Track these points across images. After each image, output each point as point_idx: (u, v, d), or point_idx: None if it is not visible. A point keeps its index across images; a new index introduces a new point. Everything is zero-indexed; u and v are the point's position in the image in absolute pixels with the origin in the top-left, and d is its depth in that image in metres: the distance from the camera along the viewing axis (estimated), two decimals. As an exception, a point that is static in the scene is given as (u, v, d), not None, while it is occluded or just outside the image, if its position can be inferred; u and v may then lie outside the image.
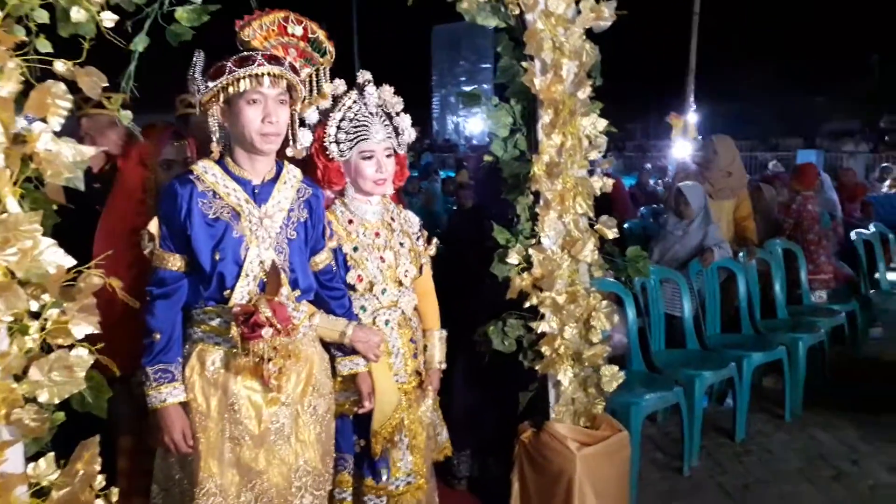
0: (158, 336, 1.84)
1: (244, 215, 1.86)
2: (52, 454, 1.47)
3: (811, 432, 3.86)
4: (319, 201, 2.04)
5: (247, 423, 1.87)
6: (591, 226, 2.76)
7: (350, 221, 2.22)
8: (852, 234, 5.50)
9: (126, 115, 1.67)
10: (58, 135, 1.40)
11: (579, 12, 2.58)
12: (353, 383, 2.17)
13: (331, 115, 2.13)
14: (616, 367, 2.81)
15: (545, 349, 2.71)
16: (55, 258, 1.39)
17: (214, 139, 1.85)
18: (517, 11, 2.48)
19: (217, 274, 1.84)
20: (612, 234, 2.77)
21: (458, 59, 24.21)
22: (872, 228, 5.75)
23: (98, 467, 1.55)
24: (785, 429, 3.92)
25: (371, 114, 2.16)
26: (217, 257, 1.83)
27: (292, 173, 1.98)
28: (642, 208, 7.40)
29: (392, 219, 2.30)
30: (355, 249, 2.19)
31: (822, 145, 17.93)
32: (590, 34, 2.62)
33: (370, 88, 2.18)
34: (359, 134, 2.14)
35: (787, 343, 4.01)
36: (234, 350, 1.81)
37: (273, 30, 1.90)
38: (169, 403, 1.83)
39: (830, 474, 3.39)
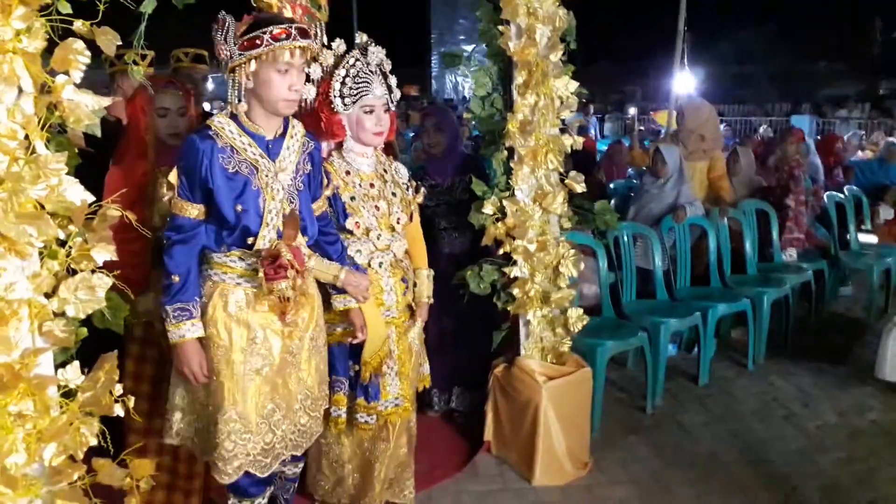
0: (177, 278, 1.99)
1: (261, 170, 2.01)
2: (77, 362, 1.70)
3: (770, 379, 4.14)
4: (319, 153, 2.22)
5: (266, 354, 2.06)
6: (562, 180, 2.99)
7: (347, 172, 2.39)
8: (825, 197, 5.71)
9: (138, 71, 1.88)
10: (79, 87, 1.61)
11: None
12: (346, 316, 2.38)
13: (335, 71, 2.29)
14: (581, 310, 3.07)
15: (517, 292, 2.97)
16: (78, 194, 1.61)
17: (236, 100, 1.98)
18: (493, -22, 2.67)
19: (241, 224, 1.99)
20: (580, 188, 2.99)
21: (458, 17, 23.91)
22: (846, 192, 5.96)
23: (117, 377, 1.79)
24: (746, 376, 4.20)
25: (371, 72, 2.32)
26: (239, 209, 1.98)
27: (297, 128, 2.14)
28: (630, 169, 7.59)
29: (384, 170, 2.49)
30: (352, 199, 2.37)
31: (816, 111, 17.97)
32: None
33: (373, 48, 2.34)
34: (361, 89, 2.30)
35: (753, 296, 4.26)
36: (256, 289, 2.02)
37: None
38: (187, 339, 1.99)
39: (782, 415, 3.69)
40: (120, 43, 1.68)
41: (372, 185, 2.42)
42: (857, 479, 3.06)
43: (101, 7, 1.72)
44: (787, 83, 24.54)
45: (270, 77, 1.94)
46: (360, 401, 2.43)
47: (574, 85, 2.89)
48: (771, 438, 3.43)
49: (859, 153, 8.89)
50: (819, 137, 9.47)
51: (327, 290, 2.33)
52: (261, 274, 1.96)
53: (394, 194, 2.47)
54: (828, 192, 5.83)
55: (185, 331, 2.00)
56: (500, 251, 2.97)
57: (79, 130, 1.67)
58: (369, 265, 2.40)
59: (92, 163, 2.07)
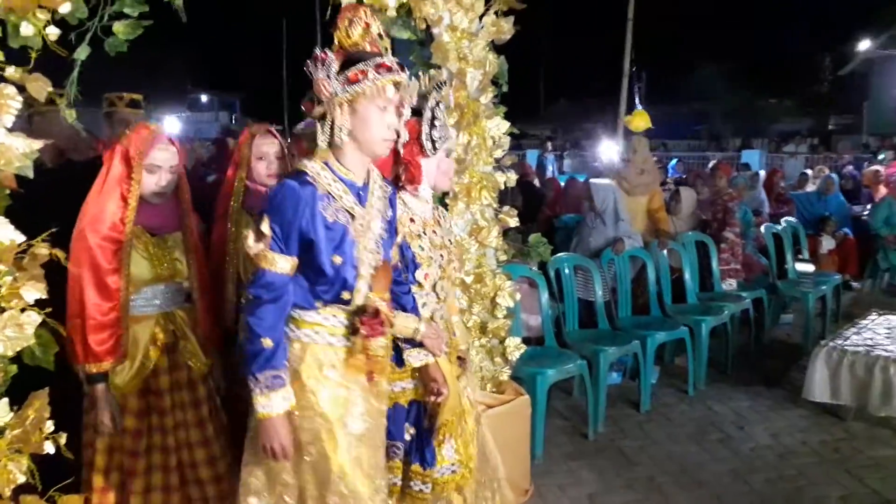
0: (269, 342, 1.77)
1: (357, 218, 1.86)
2: (6, 399, 1.74)
3: (709, 404, 4.29)
4: (395, 199, 2.06)
5: (364, 419, 1.89)
6: (496, 215, 3.12)
7: (412, 220, 2.16)
8: (762, 229, 5.96)
9: (70, 114, 1.96)
10: (10, 130, 1.69)
11: (483, 27, 2.94)
12: (414, 373, 2.15)
13: (424, 111, 2.11)
14: (518, 339, 3.18)
15: (454, 323, 3.06)
16: (7, 234, 1.68)
17: (327, 143, 1.84)
18: (424, 26, 2.82)
19: (339, 277, 1.84)
20: (513, 222, 3.13)
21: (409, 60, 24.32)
22: (784, 224, 6.22)
23: (47, 415, 1.82)
24: (687, 401, 4.34)
25: (446, 114, 2.21)
26: (338, 261, 1.82)
27: (376, 172, 1.99)
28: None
29: (440, 216, 2.31)
30: (421, 248, 2.15)
31: (768, 146, 18.63)
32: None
33: (446, 87, 2.22)
34: (445, 132, 2.19)
35: (691, 324, 4.43)
36: (348, 348, 1.86)
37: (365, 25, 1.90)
38: (283, 411, 1.79)
39: (718, 438, 3.82)
40: (51, 88, 1.77)
41: (435, 233, 2.22)
42: (785, 498, 3.19)
43: (34, 55, 1.82)
44: (740, 119, 25.41)
45: (370, 114, 1.81)
46: (415, 467, 2.17)
47: (505, 125, 3.05)
48: (706, 461, 3.55)
49: (810, 187, 9.21)
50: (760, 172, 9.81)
51: None
52: (363, 331, 1.82)
53: (450, 241, 2.29)
54: (765, 224, 6.08)
55: (276, 402, 1.78)
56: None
57: (9, 171, 1.75)
58: (432, 319, 2.16)
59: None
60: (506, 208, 3.13)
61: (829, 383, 3.91)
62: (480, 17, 2.93)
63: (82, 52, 2.01)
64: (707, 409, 4.22)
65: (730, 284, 5.29)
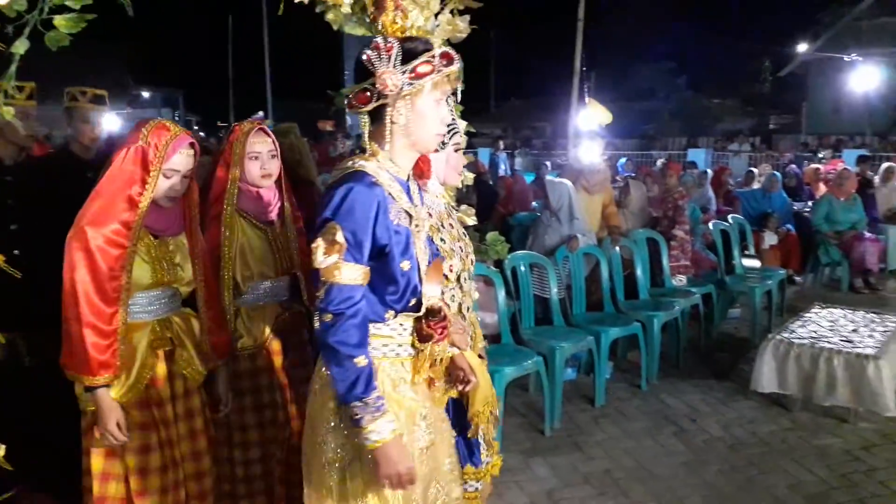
0: (364, 360, 1.62)
1: (414, 218, 1.74)
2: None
3: (662, 398, 4.37)
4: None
5: (425, 433, 1.80)
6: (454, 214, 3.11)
7: (429, 213, 2.02)
8: (709, 225, 6.11)
9: (8, 111, 1.87)
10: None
11: (439, 25, 2.92)
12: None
13: None
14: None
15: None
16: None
17: (396, 136, 1.70)
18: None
19: (410, 283, 1.71)
20: (471, 221, 3.11)
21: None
22: (731, 220, 6.39)
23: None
24: (640, 395, 4.41)
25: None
26: (406, 266, 1.69)
27: None
28: (534, 202, 7.88)
29: (452, 208, 2.25)
30: (443, 241, 2.06)
31: (713, 144, 19.16)
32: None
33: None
34: (454, 127, 2.16)
35: (644, 320, 4.50)
36: (414, 357, 1.76)
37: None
38: (393, 434, 1.63)
39: (672, 431, 3.89)
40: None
41: (451, 226, 2.15)
42: (737, 488, 3.27)
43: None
44: (685, 118, 26.04)
45: (428, 108, 1.69)
46: (467, 468, 2.13)
47: (463, 124, 3.03)
48: (660, 454, 3.61)
49: (756, 185, 9.47)
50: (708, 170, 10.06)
51: None
52: (435, 335, 1.73)
53: (464, 233, 2.22)
54: (713, 221, 6.23)
55: (386, 426, 1.62)
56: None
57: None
58: (459, 312, 2.09)
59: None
60: (464, 207, 3.11)
61: (777, 375, 4.03)
62: (436, 16, 2.91)
63: (20, 46, 1.92)
64: (660, 402, 4.30)
65: (680, 280, 5.40)
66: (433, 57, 1.66)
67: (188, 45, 29.94)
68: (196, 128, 31.11)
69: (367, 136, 1.72)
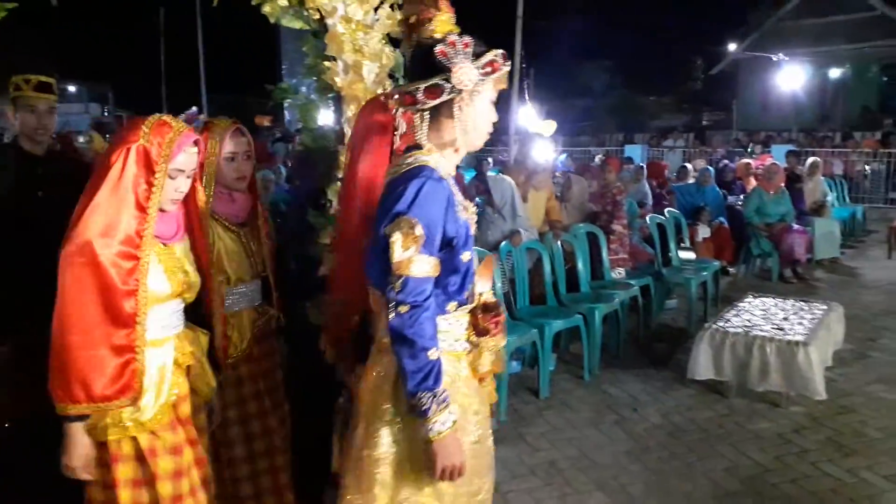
0: (436, 353, 1.65)
1: (468, 210, 1.81)
2: None
3: (604, 388, 4.45)
4: None
5: (474, 428, 1.83)
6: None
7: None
8: (647, 219, 6.26)
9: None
10: None
11: (378, 20, 2.89)
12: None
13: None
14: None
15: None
16: None
17: (458, 132, 1.72)
18: (318, 16, 2.74)
19: (468, 272, 1.77)
20: (414, 216, 3.11)
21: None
22: (667, 214, 6.56)
23: None
24: (583, 386, 4.49)
25: None
26: (467, 258, 1.75)
27: None
28: (477, 198, 7.90)
29: None
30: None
31: (649, 140, 19.65)
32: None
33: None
34: None
35: (585, 312, 4.58)
36: (465, 352, 1.80)
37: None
38: (456, 427, 1.68)
39: (614, 420, 3.97)
40: None
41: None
42: (677, 474, 3.36)
43: None
44: (622, 115, 26.62)
45: (486, 106, 1.75)
46: None
47: (402, 118, 3.02)
48: (604, 443, 3.68)
49: (691, 179, 9.74)
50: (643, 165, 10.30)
51: None
52: (493, 331, 1.78)
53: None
54: (649, 215, 6.38)
55: (448, 417, 1.66)
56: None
57: None
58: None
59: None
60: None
61: (713, 363, 4.16)
62: (376, 10, 2.89)
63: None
64: (602, 393, 4.38)
65: (619, 273, 5.52)
66: (497, 55, 1.70)
67: (117, 37, 28.87)
68: (128, 124, 30.06)
69: (425, 131, 1.73)
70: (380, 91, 2.91)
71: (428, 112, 1.72)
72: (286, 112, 24.23)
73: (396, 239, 1.61)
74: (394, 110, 2.02)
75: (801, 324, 4.30)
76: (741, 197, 8.60)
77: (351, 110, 2.89)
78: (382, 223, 1.66)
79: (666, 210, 6.71)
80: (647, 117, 28.26)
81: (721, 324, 4.29)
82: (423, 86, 1.69)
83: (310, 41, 2.88)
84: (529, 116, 9.74)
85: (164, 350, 1.95)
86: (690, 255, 6.59)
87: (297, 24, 2.79)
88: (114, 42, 29.35)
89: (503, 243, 4.55)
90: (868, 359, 4.92)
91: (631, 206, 6.36)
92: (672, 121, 27.99)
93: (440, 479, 1.69)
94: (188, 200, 2.05)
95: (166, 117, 1.91)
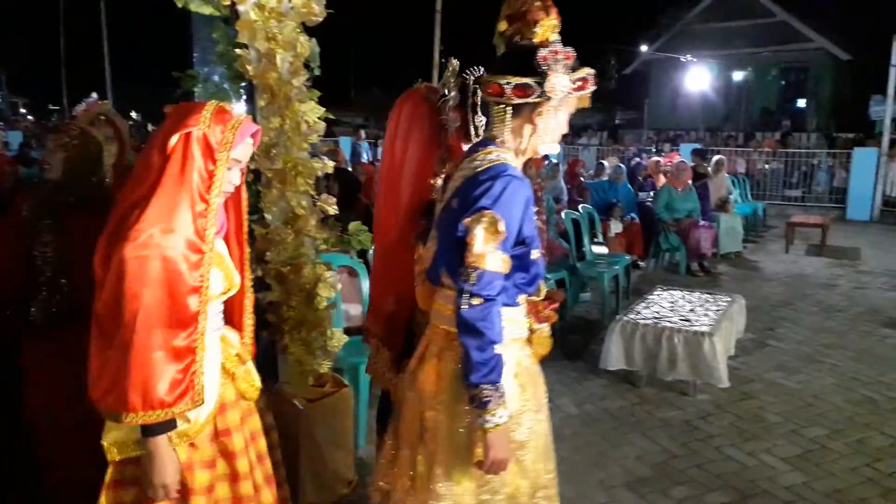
0: (500, 348, 1.71)
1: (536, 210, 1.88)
2: None
3: (522, 380, 4.52)
4: None
5: (539, 409, 1.93)
6: (314, 203, 3.03)
7: None
8: (562, 215, 6.40)
9: None
10: None
11: (293, 7, 2.82)
12: None
13: (466, 99, 2.16)
14: (341, 330, 3.12)
15: (271, 317, 2.94)
16: None
17: (539, 140, 1.81)
18: (228, 2, 2.65)
19: (539, 271, 1.86)
20: (332, 210, 3.06)
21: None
22: (581, 210, 6.72)
23: None
24: (501, 379, 4.54)
25: None
26: (535, 255, 1.83)
27: None
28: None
29: None
30: None
31: (563, 138, 20.09)
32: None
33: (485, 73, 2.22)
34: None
35: (503, 306, 4.63)
36: (528, 339, 1.92)
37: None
38: (508, 418, 1.73)
39: (530, 412, 4.04)
40: None
41: None
42: (591, 463, 3.45)
43: None
44: (539, 113, 27.09)
45: (564, 118, 1.81)
46: None
47: (320, 110, 2.96)
48: (521, 435, 3.74)
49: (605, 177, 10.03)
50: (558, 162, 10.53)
51: None
52: (553, 318, 1.95)
53: None
54: (565, 211, 6.53)
55: (506, 412, 1.70)
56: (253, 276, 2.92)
57: None
58: None
59: None
60: (323, 196, 3.04)
61: (624, 353, 4.30)
62: (290, -3, 2.81)
63: None
64: (520, 385, 4.45)
65: (536, 267, 5.60)
66: (590, 76, 1.78)
67: (12, 19, 27.12)
68: (24, 111, 28.31)
69: (508, 126, 1.78)
70: (295, 82, 2.85)
71: (512, 108, 1.77)
72: (196, 100, 23.41)
73: (478, 232, 1.65)
74: (441, 103, 2.12)
75: (706, 315, 4.49)
76: (651, 194, 8.92)
77: (264, 100, 2.81)
78: (464, 215, 1.69)
79: (580, 206, 6.88)
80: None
81: (631, 316, 4.44)
82: (515, 81, 1.73)
83: (220, 28, 2.78)
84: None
85: (212, 353, 1.83)
86: (603, 250, 6.79)
87: (207, 10, 2.69)
88: (9, 24, 27.55)
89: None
90: (767, 347, 5.20)
91: (548, 202, 6.47)
92: (587, 119, 28.71)
93: (488, 471, 1.74)
94: (235, 196, 1.94)
95: (222, 104, 1.81)
